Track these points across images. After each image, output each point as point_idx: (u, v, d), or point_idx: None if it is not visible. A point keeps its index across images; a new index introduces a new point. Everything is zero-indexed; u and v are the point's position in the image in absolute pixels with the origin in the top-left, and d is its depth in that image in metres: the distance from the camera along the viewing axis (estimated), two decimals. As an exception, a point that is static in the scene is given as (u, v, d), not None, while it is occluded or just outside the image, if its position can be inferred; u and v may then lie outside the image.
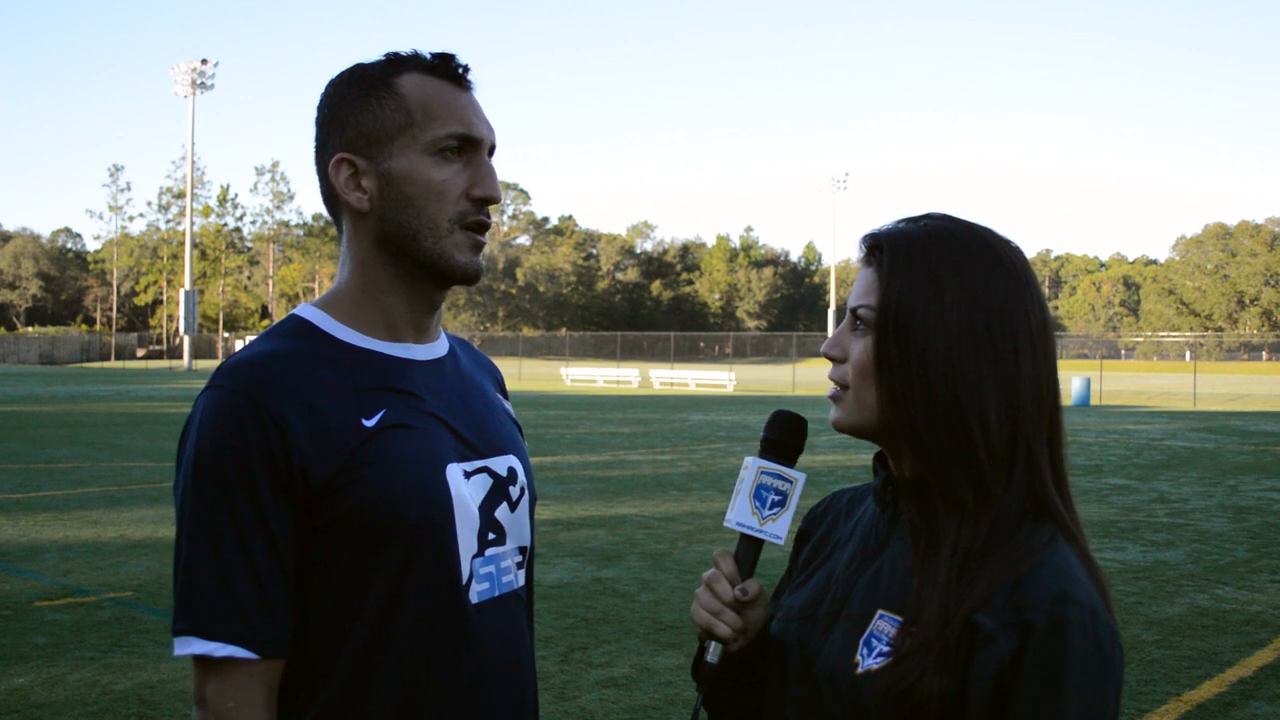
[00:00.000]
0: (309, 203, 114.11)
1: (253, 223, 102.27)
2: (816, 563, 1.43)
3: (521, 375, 54.41)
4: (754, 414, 28.05)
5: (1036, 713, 1.14)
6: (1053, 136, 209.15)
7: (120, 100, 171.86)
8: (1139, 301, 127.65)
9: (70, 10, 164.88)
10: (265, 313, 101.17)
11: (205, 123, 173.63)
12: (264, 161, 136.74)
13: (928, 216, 1.34)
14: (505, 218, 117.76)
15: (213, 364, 59.30)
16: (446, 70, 1.46)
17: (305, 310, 1.48)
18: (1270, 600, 7.59)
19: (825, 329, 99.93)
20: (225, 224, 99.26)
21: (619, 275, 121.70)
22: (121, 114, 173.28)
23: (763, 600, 1.35)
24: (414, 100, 1.43)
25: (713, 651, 1.32)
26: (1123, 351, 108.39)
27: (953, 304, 1.26)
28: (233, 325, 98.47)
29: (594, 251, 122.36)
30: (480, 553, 1.44)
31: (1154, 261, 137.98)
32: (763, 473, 1.35)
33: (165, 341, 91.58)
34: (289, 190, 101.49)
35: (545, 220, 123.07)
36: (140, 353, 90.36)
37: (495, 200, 1.47)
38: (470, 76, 1.48)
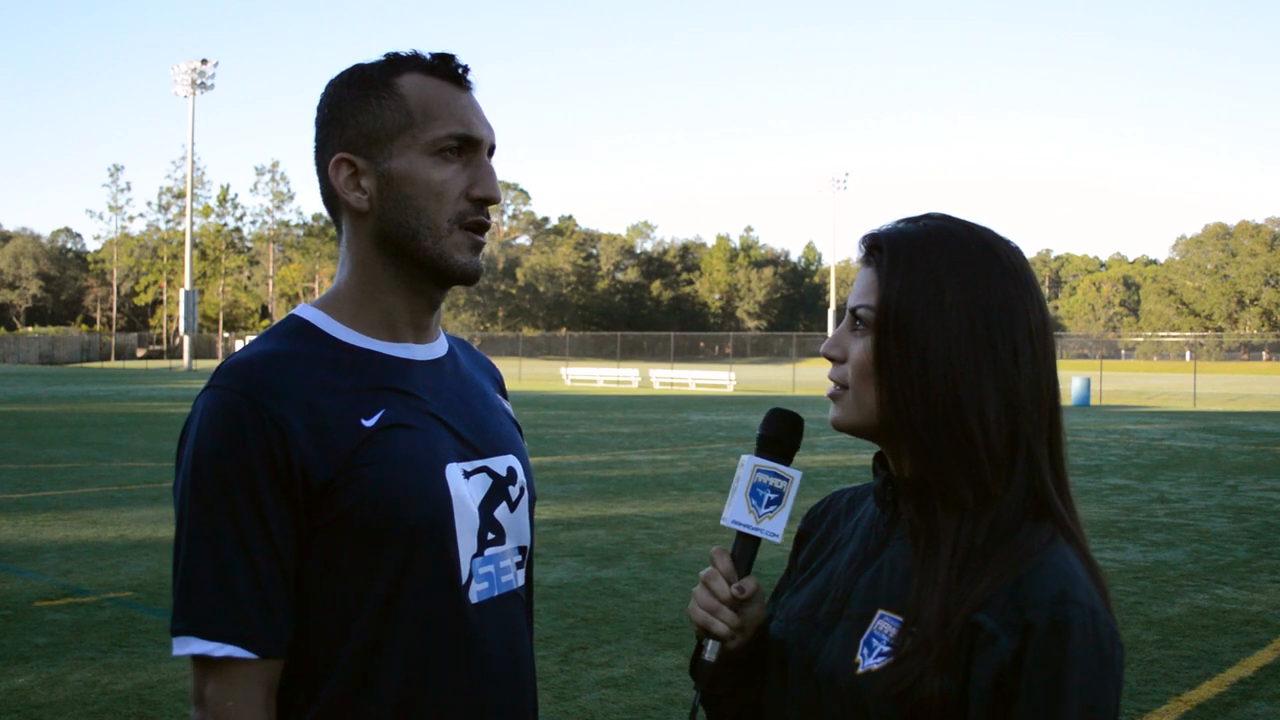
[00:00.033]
0: (309, 203, 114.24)
1: (253, 223, 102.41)
2: (816, 563, 1.43)
3: (521, 375, 54.41)
4: (754, 414, 28.05)
5: (1037, 712, 1.14)
6: (1053, 136, 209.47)
7: (120, 100, 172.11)
8: (1139, 301, 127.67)
9: (70, 10, 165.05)
10: (265, 313, 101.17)
11: (205, 123, 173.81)
12: (264, 161, 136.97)
13: (927, 216, 1.34)
14: (505, 218, 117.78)
15: (213, 364, 59.30)
16: (446, 70, 1.46)
17: (305, 310, 1.48)
18: (1270, 600, 7.59)
19: (825, 329, 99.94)
20: (225, 224, 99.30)
21: (619, 275, 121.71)
22: (121, 114, 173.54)
23: (760, 598, 1.35)
24: (414, 100, 1.43)
25: (710, 649, 1.33)
26: (1123, 351, 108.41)
27: (952, 304, 1.26)
28: (233, 325, 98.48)
29: (594, 251, 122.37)
30: (480, 552, 1.44)
31: (1154, 261, 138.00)
32: (759, 471, 1.36)
33: (165, 341, 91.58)
34: (289, 190, 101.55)
35: (545, 220, 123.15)
36: (140, 353, 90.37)
37: (495, 200, 1.47)
38: (470, 77, 1.48)
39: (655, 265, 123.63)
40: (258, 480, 1.31)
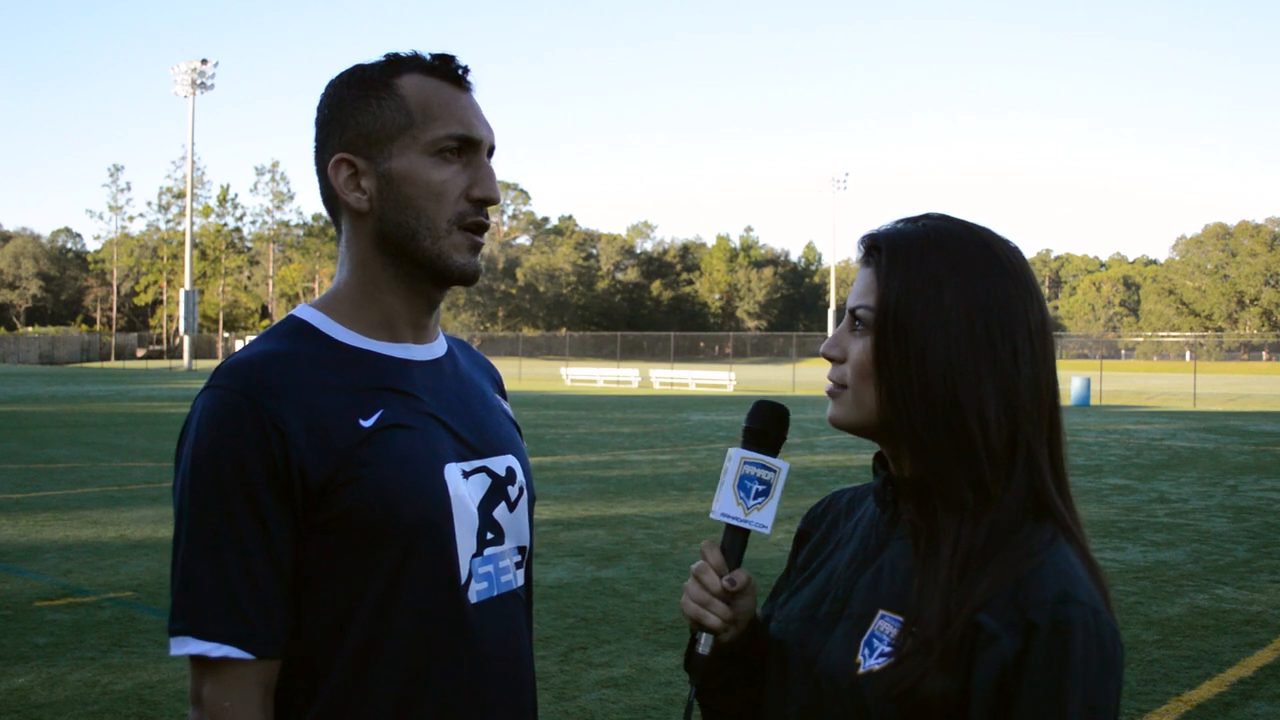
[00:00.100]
0: (309, 203, 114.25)
1: (253, 223, 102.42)
2: (816, 563, 1.43)
3: (521, 375, 54.41)
4: (754, 414, 28.00)
5: (1039, 712, 1.14)
6: (1053, 136, 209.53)
7: (120, 100, 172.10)
8: (1139, 301, 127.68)
9: (70, 10, 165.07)
10: (265, 313, 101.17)
11: (205, 123, 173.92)
12: (264, 161, 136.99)
13: (926, 216, 1.34)
14: (505, 218, 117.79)
15: (213, 364, 59.28)
16: (446, 71, 1.46)
17: (303, 311, 1.48)
18: (1270, 600, 7.59)
19: (825, 329, 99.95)
20: (225, 224, 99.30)
21: (619, 275, 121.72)
22: (121, 114, 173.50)
23: (751, 590, 1.36)
24: (414, 101, 1.43)
25: (704, 643, 1.33)
26: (1123, 351, 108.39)
27: (952, 304, 1.26)
28: (233, 325, 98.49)
29: (594, 251, 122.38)
30: (479, 552, 1.44)
31: (1154, 261, 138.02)
32: (746, 463, 1.36)
33: (165, 341, 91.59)
34: (289, 190, 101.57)
35: (545, 220, 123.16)
36: (140, 353, 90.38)
37: (494, 201, 1.47)
38: (470, 77, 1.48)
39: (655, 265, 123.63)
40: (256, 480, 1.31)
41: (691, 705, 1.34)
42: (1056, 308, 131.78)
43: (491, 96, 1.50)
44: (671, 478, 14.30)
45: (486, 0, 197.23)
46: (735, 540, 1.36)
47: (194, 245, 79.63)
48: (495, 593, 1.46)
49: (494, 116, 1.51)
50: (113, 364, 79.98)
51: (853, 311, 1.32)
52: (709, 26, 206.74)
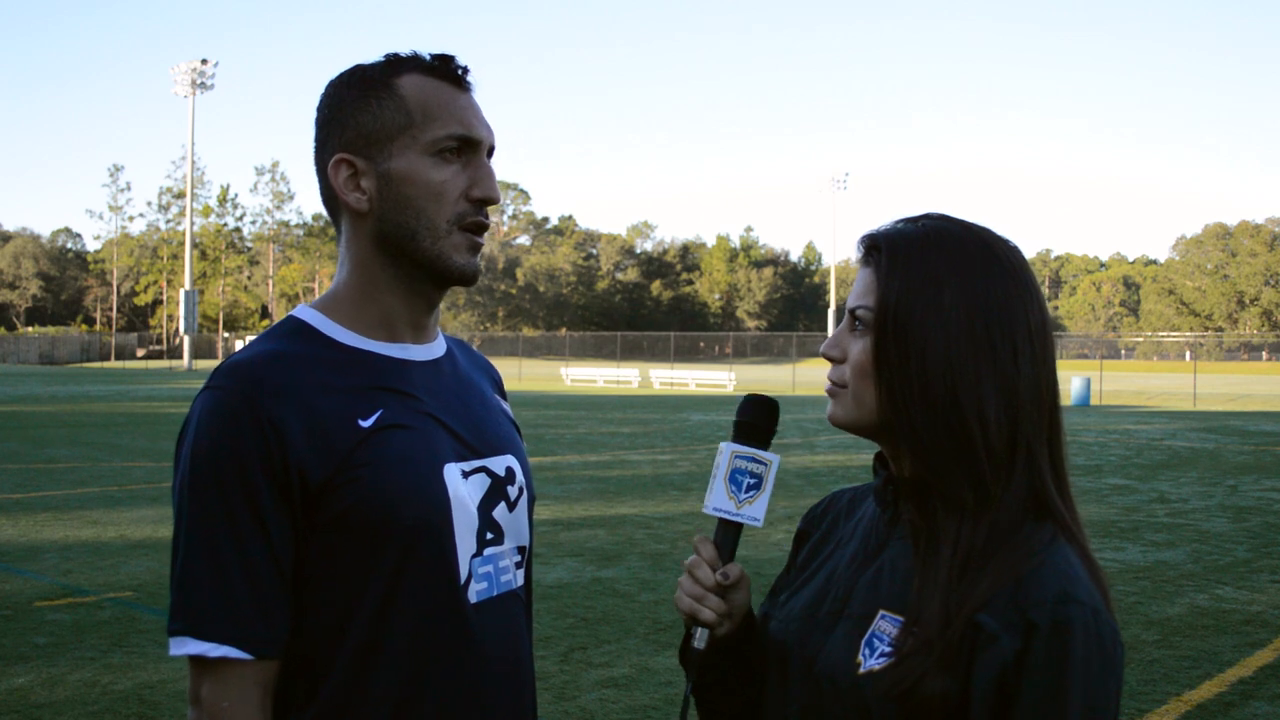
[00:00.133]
0: (309, 203, 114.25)
1: (253, 223, 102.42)
2: (817, 563, 1.43)
3: (521, 375, 54.41)
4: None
5: (1039, 712, 1.14)
6: (1053, 136, 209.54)
7: (120, 100, 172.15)
8: (1139, 301, 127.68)
9: (70, 10, 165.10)
10: (265, 313, 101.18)
11: (205, 123, 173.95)
12: (264, 161, 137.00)
13: (926, 217, 1.34)
14: (505, 218, 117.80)
15: (213, 364, 59.21)
16: (446, 71, 1.46)
17: (303, 311, 1.49)
18: (1270, 600, 7.59)
19: (825, 329, 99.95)
20: (225, 224, 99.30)
21: (619, 275, 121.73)
22: (121, 114, 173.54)
23: (745, 583, 1.36)
24: (413, 101, 1.43)
25: (699, 637, 1.33)
26: (1123, 351, 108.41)
27: (951, 304, 1.26)
28: (233, 325, 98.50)
29: (594, 251, 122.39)
30: (479, 552, 1.44)
31: (1154, 261, 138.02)
32: (736, 457, 1.36)
33: (165, 341, 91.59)
34: (289, 190, 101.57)
35: (545, 220, 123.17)
36: (140, 353, 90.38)
37: (494, 201, 1.47)
38: (470, 78, 1.48)
39: (655, 265, 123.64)
40: (255, 481, 1.31)
41: (688, 701, 1.34)
42: (1056, 308, 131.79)
43: (491, 96, 1.50)
44: (671, 478, 14.30)
45: (486, 0, 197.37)
46: (728, 534, 1.36)
47: (194, 245, 79.65)
48: (495, 593, 1.46)
49: (494, 116, 1.51)
50: (113, 364, 79.99)
51: (852, 312, 1.32)
52: (709, 26, 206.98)
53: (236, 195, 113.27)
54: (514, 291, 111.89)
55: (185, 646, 1.30)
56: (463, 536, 1.42)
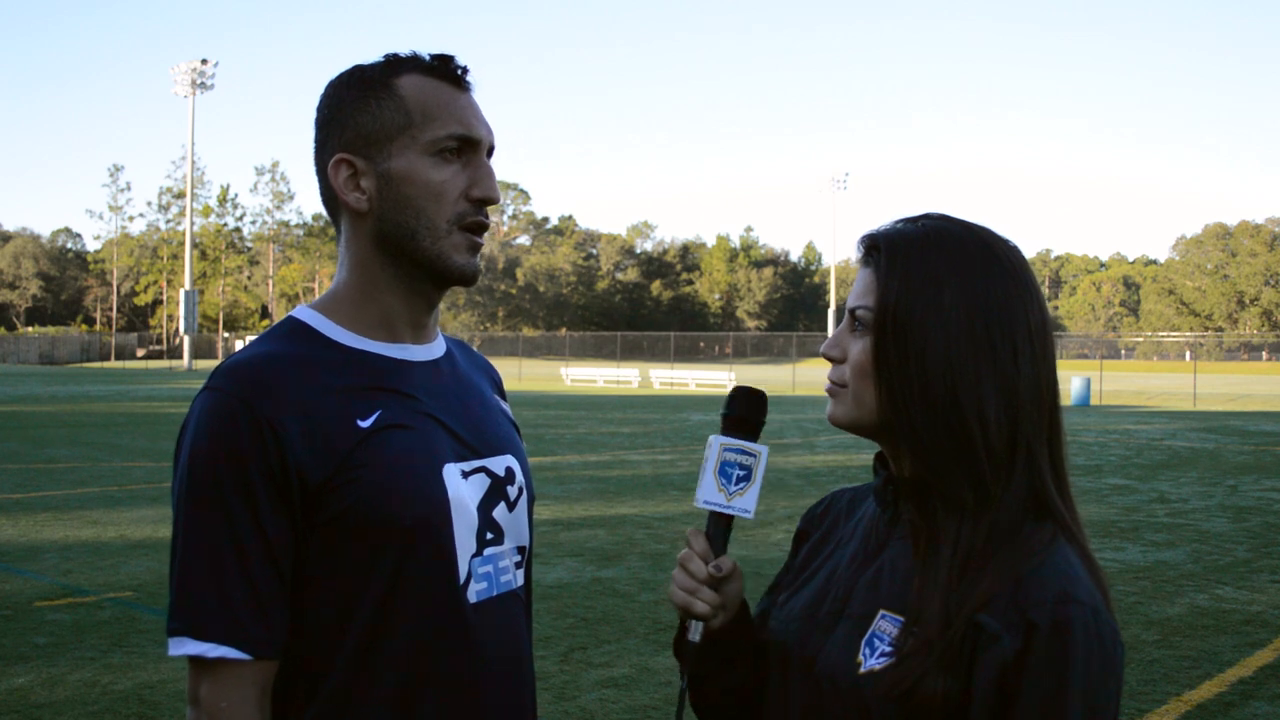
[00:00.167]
0: (309, 203, 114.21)
1: (253, 223, 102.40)
2: (817, 563, 1.43)
3: (521, 375, 54.41)
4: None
5: (1039, 712, 1.14)
6: (1053, 136, 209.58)
7: (120, 100, 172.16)
8: (1139, 301, 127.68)
9: (70, 10, 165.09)
10: (265, 313, 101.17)
11: (205, 123, 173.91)
12: (264, 161, 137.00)
13: (926, 216, 1.34)
14: (505, 218, 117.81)
15: (213, 364, 59.20)
16: (446, 71, 1.46)
17: (302, 312, 1.49)
18: (1270, 600, 7.59)
19: (825, 329, 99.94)
20: (225, 224, 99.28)
21: (619, 275, 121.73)
22: (121, 114, 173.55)
23: (738, 575, 1.36)
24: (413, 101, 1.43)
25: (694, 630, 1.34)
26: (1123, 351, 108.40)
27: (951, 304, 1.26)
28: (233, 325, 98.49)
29: (594, 251, 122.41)
30: (478, 552, 1.44)
31: (1154, 261, 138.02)
32: (725, 449, 1.37)
33: (165, 341, 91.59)
34: (289, 190, 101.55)
35: (545, 220, 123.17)
36: (140, 353, 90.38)
37: (494, 201, 1.47)
38: (469, 78, 1.48)
39: (655, 265, 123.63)
40: (253, 482, 1.31)
41: (684, 695, 1.34)
42: (1056, 308, 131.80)
43: (491, 96, 1.51)
44: (671, 478, 14.30)
45: (486, 0, 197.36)
46: (719, 526, 1.37)
47: (194, 245, 79.63)
48: (495, 593, 1.46)
49: (494, 116, 1.51)
50: (113, 364, 79.98)
51: (852, 312, 1.32)
52: (709, 26, 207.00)
53: (236, 195, 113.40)
54: (514, 291, 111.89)
55: (184, 647, 1.30)
56: (462, 536, 1.42)
